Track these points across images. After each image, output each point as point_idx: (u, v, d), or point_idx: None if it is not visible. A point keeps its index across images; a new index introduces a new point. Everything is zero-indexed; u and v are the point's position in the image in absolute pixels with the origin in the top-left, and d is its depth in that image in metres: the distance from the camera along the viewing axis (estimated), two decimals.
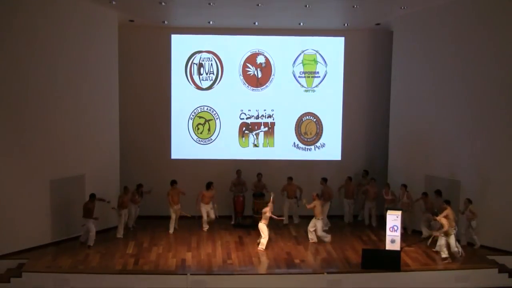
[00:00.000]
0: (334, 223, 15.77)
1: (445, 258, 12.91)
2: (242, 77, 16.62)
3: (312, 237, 14.25)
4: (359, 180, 16.41)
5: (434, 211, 13.68)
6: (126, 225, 14.78)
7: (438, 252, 13.15)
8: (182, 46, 16.38)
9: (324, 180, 15.61)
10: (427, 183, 14.77)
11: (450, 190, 14.20)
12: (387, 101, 16.38)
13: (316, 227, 14.11)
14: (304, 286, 12.12)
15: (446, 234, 12.88)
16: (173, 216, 14.97)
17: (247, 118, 16.79)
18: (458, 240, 13.31)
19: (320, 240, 14.21)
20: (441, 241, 12.97)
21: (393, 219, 12.84)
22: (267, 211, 13.80)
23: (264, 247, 13.66)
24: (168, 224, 15.02)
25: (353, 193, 16.08)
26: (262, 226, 13.74)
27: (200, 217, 15.20)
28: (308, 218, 14.58)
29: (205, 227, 15.17)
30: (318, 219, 14.08)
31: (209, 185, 15.05)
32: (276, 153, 16.83)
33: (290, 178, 15.73)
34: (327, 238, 14.27)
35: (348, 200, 16.11)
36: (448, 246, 12.97)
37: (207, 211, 15.08)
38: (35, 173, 13.27)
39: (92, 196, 13.57)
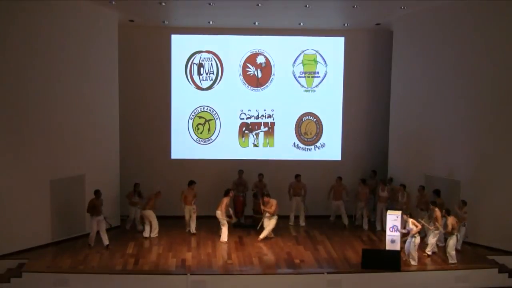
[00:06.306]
0: (334, 223, 15.78)
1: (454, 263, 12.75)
2: (242, 77, 16.62)
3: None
4: (370, 183, 15.76)
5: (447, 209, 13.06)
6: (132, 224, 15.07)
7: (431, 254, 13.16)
8: (182, 46, 16.37)
9: (296, 176, 15.62)
10: (427, 183, 14.76)
11: (450, 190, 14.21)
12: (387, 101, 16.40)
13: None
14: (304, 286, 12.12)
15: (451, 234, 12.70)
16: (187, 217, 14.86)
17: (247, 118, 16.78)
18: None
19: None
20: (450, 247, 12.72)
21: (393, 219, 12.86)
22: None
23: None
24: (166, 225, 14.99)
25: (341, 194, 15.51)
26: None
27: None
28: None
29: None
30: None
31: (227, 191, 14.64)
32: (276, 153, 16.82)
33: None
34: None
35: (336, 201, 15.53)
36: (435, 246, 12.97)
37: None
38: (35, 173, 13.26)
39: (97, 192, 13.46)
